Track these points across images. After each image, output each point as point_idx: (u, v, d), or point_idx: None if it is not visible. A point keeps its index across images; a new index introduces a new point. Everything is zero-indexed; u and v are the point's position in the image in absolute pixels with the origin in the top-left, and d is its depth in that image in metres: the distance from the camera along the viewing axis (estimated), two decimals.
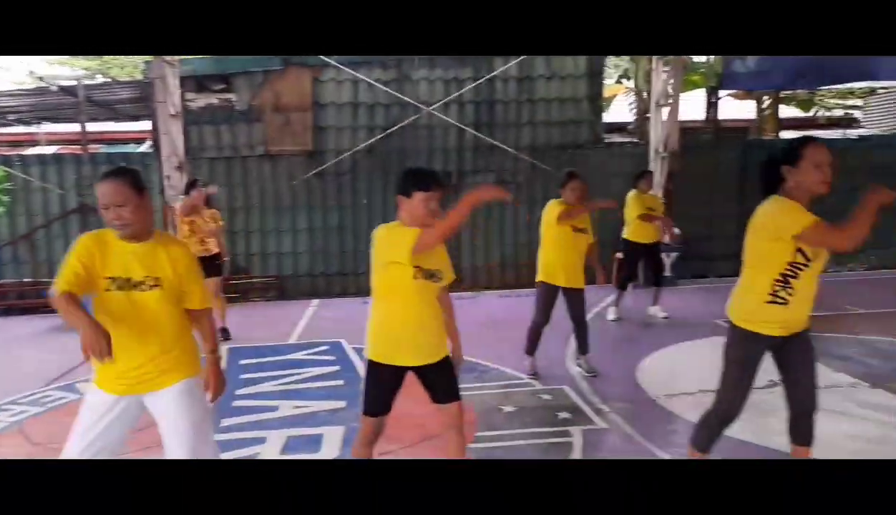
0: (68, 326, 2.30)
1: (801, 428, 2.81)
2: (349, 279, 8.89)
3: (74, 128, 10.76)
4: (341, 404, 4.46)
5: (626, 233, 6.74)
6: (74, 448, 2.38)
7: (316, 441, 3.90)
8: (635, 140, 11.40)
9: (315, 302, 8.34)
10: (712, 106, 12.26)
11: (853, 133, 12.96)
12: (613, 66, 13.82)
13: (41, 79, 9.28)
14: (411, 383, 2.82)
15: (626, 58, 12.83)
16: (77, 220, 8.45)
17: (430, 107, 8.68)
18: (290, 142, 8.68)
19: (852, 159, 9.53)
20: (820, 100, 15.78)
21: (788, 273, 2.60)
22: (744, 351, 2.74)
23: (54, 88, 8.83)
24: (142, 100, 9.17)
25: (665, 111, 8.76)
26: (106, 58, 15.21)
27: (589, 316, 5.08)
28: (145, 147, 11.70)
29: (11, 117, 10.40)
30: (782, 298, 2.62)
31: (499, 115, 9.03)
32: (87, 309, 2.24)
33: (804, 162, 2.55)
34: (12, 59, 14.50)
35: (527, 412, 4.32)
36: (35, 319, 7.67)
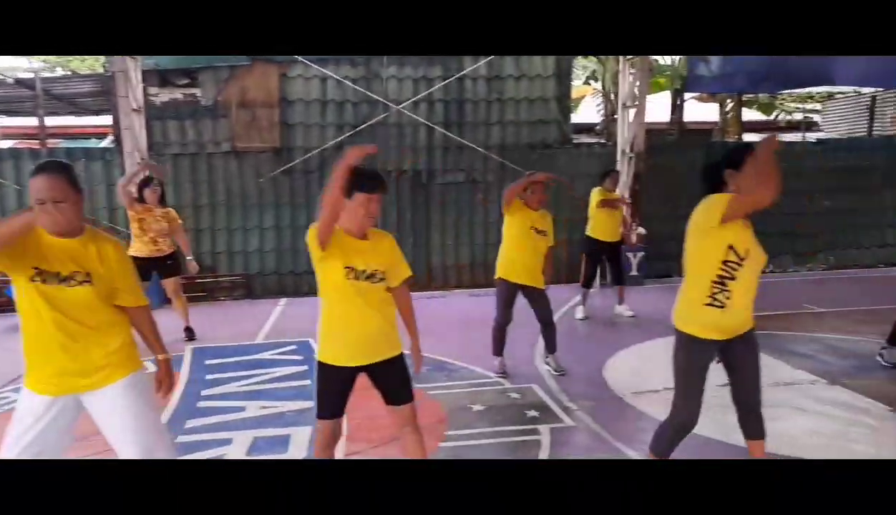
0: None
1: (751, 424, 2.87)
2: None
3: (32, 121, 10.44)
4: (309, 404, 4.41)
5: (588, 230, 6.85)
6: (8, 455, 2.30)
7: (283, 442, 3.85)
8: (603, 141, 11.54)
9: (283, 301, 8.24)
10: (677, 108, 12.50)
11: (812, 136, 13.33)
12: (581, 67, 13.96)
13: None
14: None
15: (594, 59, 12.99)
16: None
17: (400, 106, 8.65)
18: (257, 139, 8.55)
19: (811, 162, 9.84)
20: (781, 103, 16.21)
21: (724, 274, 2.64)
22: (688, 355, 2.78)
23: (10, 81, 8.55)
24: (103, 94, 8.94)
25: (632, 112, 8.88)
26: None
27: (557, 316, 5.13)
28: (107, 142, 11.41)
29: None
30: (720, 301, 2.66)
31: (468, 114, 9.03)
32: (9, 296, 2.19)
33: (747, 167, 2.60)
34: None
35: (496, 410, 4.33)
36: None
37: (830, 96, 14.65)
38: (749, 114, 15.84)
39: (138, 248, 5.74)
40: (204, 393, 4.76)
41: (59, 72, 13.78)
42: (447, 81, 8.71)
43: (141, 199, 5.83)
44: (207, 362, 5.50)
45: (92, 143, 12.43)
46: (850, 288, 8.39)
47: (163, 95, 8.43)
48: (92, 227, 2.47)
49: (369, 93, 8.61)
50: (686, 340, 2.76)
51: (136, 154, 7.71)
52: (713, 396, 2.91)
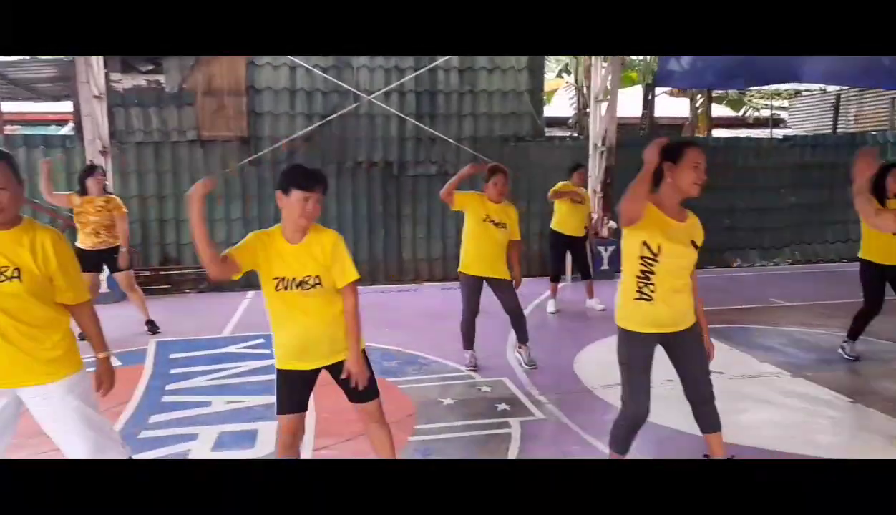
0: None
1: (704, 417, 2.89)
2: None
3: None
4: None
5: (553, 223, 6.87)
6: None
7: (251, 437, 3.78)
8: (575, 134, 11.59)
9: (250, 293, 8.08)
10: (649, 103, 12.61)
11: (779, 133, 13.58)
12: (554, 60, 14.00)
13: None
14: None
15: None
16: None
17: (371, 96, 8.54)
18: (224, 128, 8.36)
19: (777, 158, 10.02)
20: (749, 100, 16.49)
21: (644, 268, 2.70)
22: (628, 350, 2.82)
23: None
24: (63, 80, 8.65)
25: (604, 106, 8.91)
26: None
27: (528, 310, 5.12)
28: (67, 129, 11.08)
29: None
30: (647, 295, 2.71)
31: (440, 106, 8.97)
32: None
33: (684, 161, 2.62)
34: None
35: (466, 404, 4.31)
36: None
37: (797, 93, 14.95)
38: (719, 111, 16.09)
39: (81, 240, 5.58)
40: (168, 387, 4.64)
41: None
42: (419, 72, 8.63)
43: (83, 190, 5.63)
44: (172, 356, 5.37)
45: (52, 130, 12.07)
46: (815, 282, 8.56)
47: (125, 81, 8.21)
48: (31, 219, 2.37)
49: (340, 83, 8.48)
50: (625, 335, 2.81)
51: (97, 142, 7.48)
52: (679, 389, 2.92)
